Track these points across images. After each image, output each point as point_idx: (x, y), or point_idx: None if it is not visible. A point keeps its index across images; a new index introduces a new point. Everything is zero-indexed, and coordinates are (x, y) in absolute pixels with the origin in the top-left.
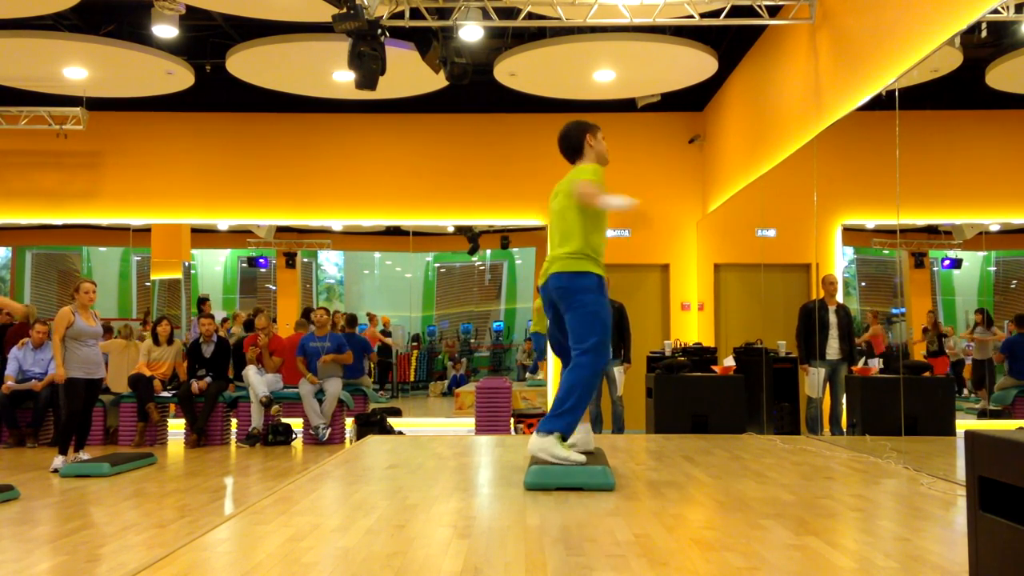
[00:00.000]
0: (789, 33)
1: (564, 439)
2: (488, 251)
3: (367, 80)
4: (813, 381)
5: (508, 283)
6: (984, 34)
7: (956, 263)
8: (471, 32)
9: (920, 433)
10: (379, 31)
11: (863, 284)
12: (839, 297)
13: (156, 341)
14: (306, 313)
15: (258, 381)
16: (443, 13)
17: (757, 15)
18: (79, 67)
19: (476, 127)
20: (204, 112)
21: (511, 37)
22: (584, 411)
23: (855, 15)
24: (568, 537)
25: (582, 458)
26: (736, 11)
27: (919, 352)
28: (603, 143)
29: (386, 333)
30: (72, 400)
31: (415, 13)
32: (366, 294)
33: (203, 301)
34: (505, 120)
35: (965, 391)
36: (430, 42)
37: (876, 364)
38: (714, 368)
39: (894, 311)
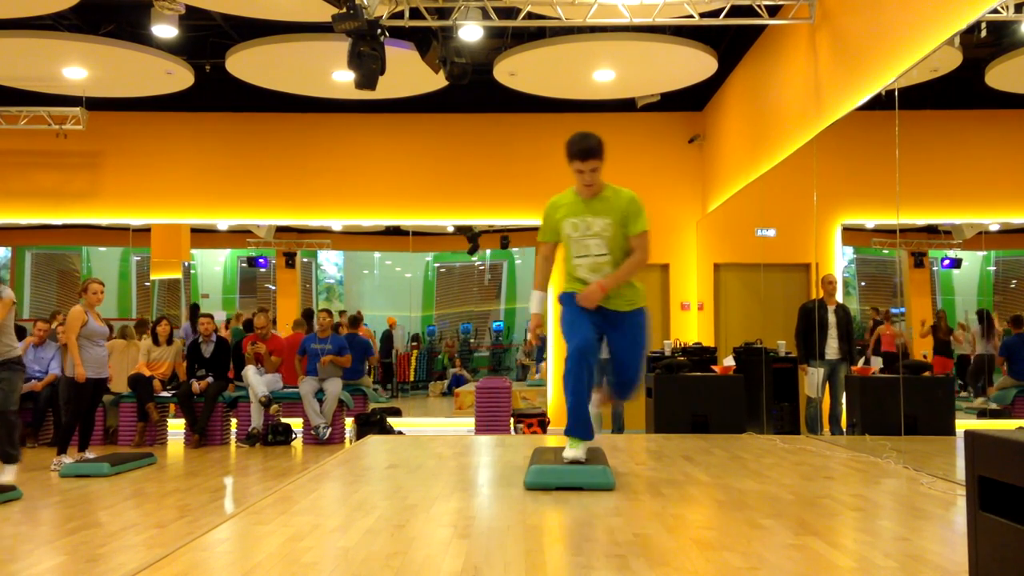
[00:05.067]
0: (789, 33)
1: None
2: (488, 251)
3: (367, 80)
4: (812, 381)
5: (508, 283)
6: (984, 34)
7: (956, 263)
8: (471, 32)
9: (920, 433)
10: (379, 31)
11: (863, 284)
12: (839, 297)
13: (156, 341)
14: (307, 314)
15: (257, 381)
16: (443, 13)
17: (757, 15)
18: (79, 67)
19: (476, 127)
20: (204, 112)
21: (511, 37)
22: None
23: (854, 15)
24: (568, 537)
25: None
26: (736, 11)
27: (921, 348)
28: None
29: (388, 335)
30: (80, 400)
31: (415, 13)
32: (366, 294)
33: (195, 308)
34: (505, 120)
35: (963, 391)
36: (430, 42)
37: (876, 363)
38: (714, 368)
39: (894, 311)
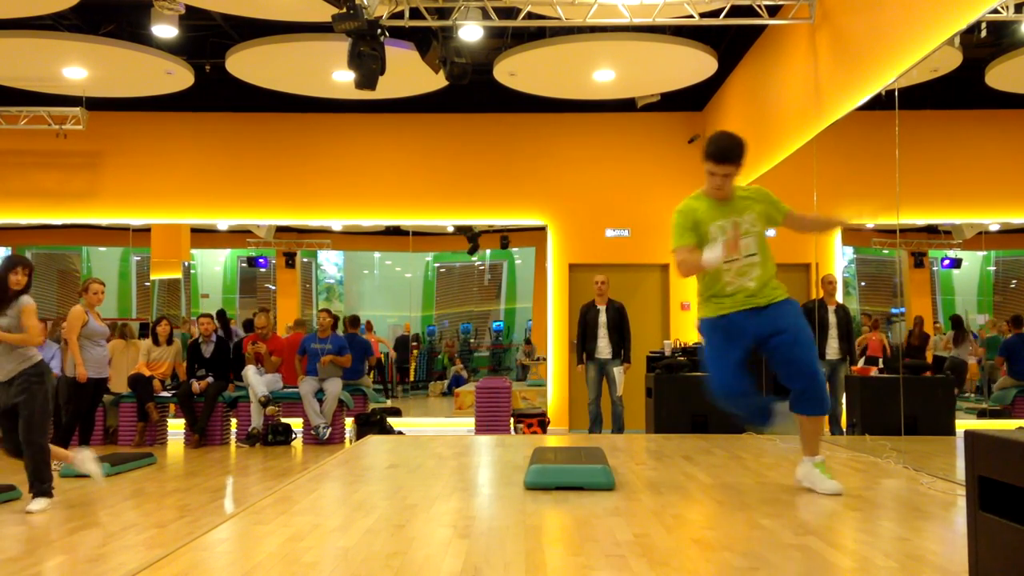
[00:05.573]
0: (789, 33)
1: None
2: (488, 251)
3: (367, 80)
4: None
5: (508, 283)
6: (984, 34)
7: (956, 263)
8: (471, 32)
9: (920, 433)
10: (379, 31)
11: (863, 284)
12: (839, 297)
13: (156, 341)
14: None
15: (257, 381)
16: (443, 13)
17: (757, 15)
18: (79, 67)
19: (476, 127)
20: (204, 112)
21: (511, 37)
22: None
23: (855, 15)
24: (568, 537)
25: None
26: (736, 11)
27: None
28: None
29: (405, 340)
30: (80, 400)
31: (415, 13)
32: (366, 294)
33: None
34: (505, 120)
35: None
36: (430, 42)
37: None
38: None
39: (893, 311)
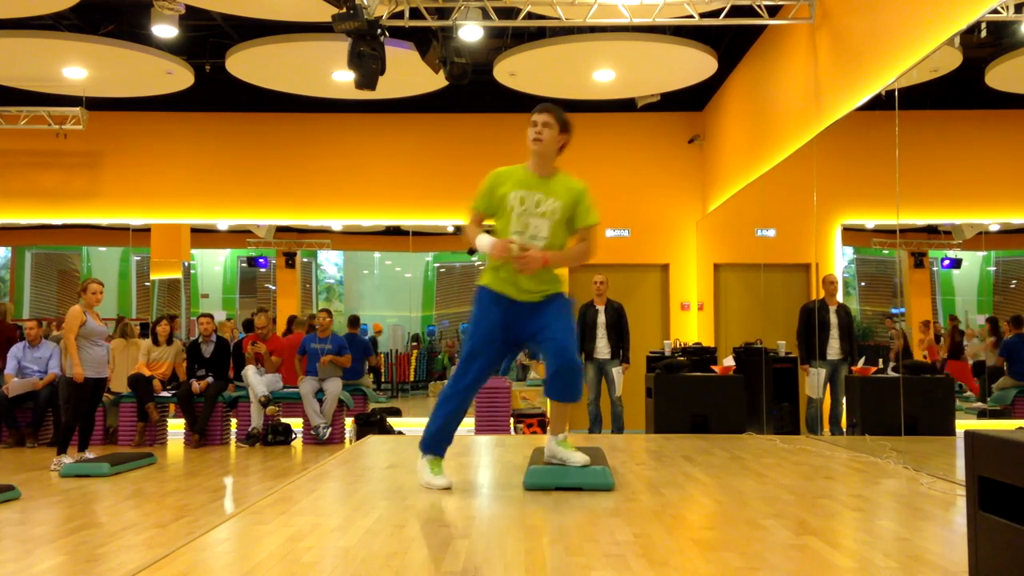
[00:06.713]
0: (789, 33)
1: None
2: None
3: (367, 80)
4: (813, 381)
5: None
6: (984, 34)
7: (956, 263)
8: (471, 32)
9: (920, 433)
10: (379, 31)
11: (863, 284)
12: (839, 297)
13: (156, 341)
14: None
15: (257, 381)
16: (443, 13)
17: (757, 15)
18: (79, 67)
19: (476, 127)
20: (204, 112)
21: (511, 37)
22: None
23: (855, 15)
24: (568, 537)
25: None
26: (736, 11)
27: (921, 353)
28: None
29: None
30: (80, 400)
31: (415, 13)
32: (366, 294)
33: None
34: (505, 120)
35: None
36: (430, 42)
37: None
38: (714, 368)
39: (893, 311)
